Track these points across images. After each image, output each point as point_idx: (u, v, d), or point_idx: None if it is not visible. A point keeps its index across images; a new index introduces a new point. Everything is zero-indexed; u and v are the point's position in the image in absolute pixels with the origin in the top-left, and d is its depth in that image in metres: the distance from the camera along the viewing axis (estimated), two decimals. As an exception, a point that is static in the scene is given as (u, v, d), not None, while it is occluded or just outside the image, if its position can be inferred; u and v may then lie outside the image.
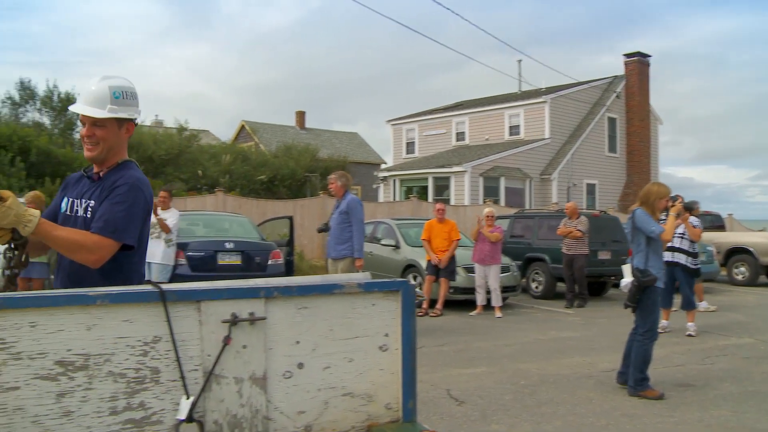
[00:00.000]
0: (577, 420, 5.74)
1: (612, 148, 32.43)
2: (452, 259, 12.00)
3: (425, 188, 28.39)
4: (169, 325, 2.29)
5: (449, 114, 34.01)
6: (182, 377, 2.30)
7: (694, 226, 9.96)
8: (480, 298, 12.19)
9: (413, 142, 34.96)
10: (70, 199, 3.03)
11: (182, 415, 2.27)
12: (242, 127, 40.92)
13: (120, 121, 2.98)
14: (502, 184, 27.57)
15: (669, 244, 9.07)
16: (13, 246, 2.68)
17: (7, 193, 2.55)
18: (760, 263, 17.60)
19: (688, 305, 9.92)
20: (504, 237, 12.77)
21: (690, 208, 10.43)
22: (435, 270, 11.95)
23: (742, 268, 17.93)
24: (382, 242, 14.12)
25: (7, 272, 2.71)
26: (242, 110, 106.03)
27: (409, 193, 28.19)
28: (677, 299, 10.15)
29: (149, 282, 8.04)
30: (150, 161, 24.75)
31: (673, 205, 6.82)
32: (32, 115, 26.58)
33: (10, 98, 26.35)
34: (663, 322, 9.72)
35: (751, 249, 17.77)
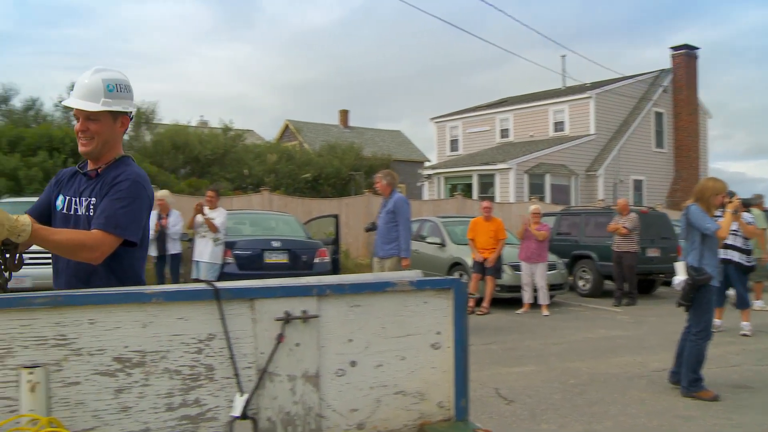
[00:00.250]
0: (628, 420, 5.65)
1: (659, 143, 31.86)
2: (498, 256, 11.93)
3: (470, 186, 28.28)
4: (223, 323, 2.31)
5: (493, 111, 33.79)
6: (236, 374, 2.31)
7: (748, 223, 9.73)
8: (527, 296, 12.10)
9: (457, 140, 34.82)
10: (67, 197, 2.97)
11: (236, 412, 2.28)
12: (286, 127, 41.25)
13: (114, 115, 2.90)
14: (548, 181, 27.31)
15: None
16: (3, 249, 2.61)
17: None
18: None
19: (743, 304, 9.68)
20: (550, 234, 12.65)
21: (750, 204, 10.12)
22: (481, 268, 11.88)
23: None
24: (428, 240, 14.09)
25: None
26: (285, 110, 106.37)
27: (454, 190, 28.08)
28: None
29: (197, 280, 8.11)
30: (196, 161, 25.09)
31: (729, 202, 6.66)
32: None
33: (62, 101, 26.95)
34: (716, 321, 9.52)
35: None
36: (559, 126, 30.54)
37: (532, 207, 12.64)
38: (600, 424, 5.55)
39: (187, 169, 25.07)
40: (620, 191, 27.95)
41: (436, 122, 36.21)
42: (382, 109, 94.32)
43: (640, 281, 14.15)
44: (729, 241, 9.54)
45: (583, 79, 32.77)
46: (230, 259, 10.61)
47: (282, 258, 11.13)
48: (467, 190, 27.69)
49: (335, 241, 12.84)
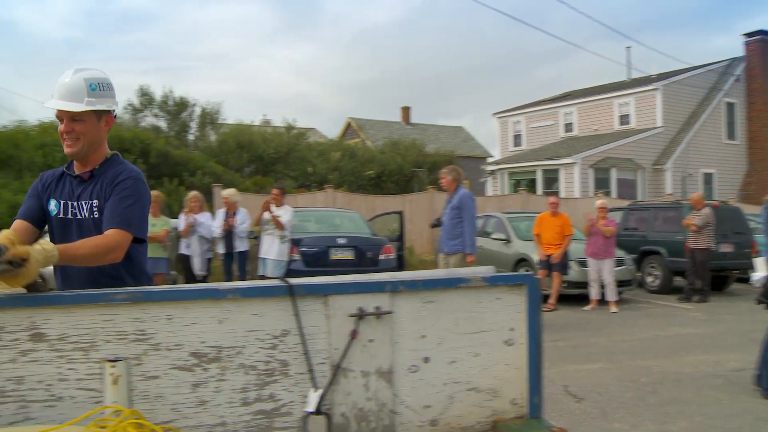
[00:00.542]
0: (705, 421, 5.49)
1: (731, 134, 30.87)
2: (565, 252, 11.77)
3: (533, 181, 27.95)
4: (297, 319, 2.34)
5: (556, 105, 33.29)
6: (310, 370, 2.34)
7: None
8: (594, 293, 11.91)
9: (520, 135, 34.44)
10: (62, 201, 2.91)
11: (311, 407, 2.31)
12: (348, 125, 41.47)
13: (99, 114, 2.85)
14: (613, 175, 26.79)
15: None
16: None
17: (24, 251, 2.25)
18: None
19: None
20: (617, 230, 12.41)
21: None
22: (547, 264, 11.74)
23: None
24: (493, 236, 14.00)
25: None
26: (347, 107, 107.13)
27: (518, 186, 27.82)
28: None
29: (264, 277, 8.22)
30: (260, 160, 25.43)
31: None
32: (150, 119, 28.01)
33: (131, 104, 27.86)
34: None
35: None
36: (624, 119, 29.88)
37: (599, 202, 12.43)
38: (674, 425, 5.41)
39: (252, 168, 25.42)
40: (689, 185, 27.22)
41: (499, 117, 35.88)
42: (443, 105, 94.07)
43: (713, 278, 13.74)
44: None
45: (649, 71, 32.05)
46: (296, 256, 10.71)
47: (348, 255, 11.19)
48: (531, 186, 27.37)
49: (400, 238, 12.85)
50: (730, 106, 30.76)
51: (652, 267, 14.44)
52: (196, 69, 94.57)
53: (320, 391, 2.33)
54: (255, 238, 10.95)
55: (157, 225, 9.89)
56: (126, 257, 2.79)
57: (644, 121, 28.99)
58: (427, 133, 40.68)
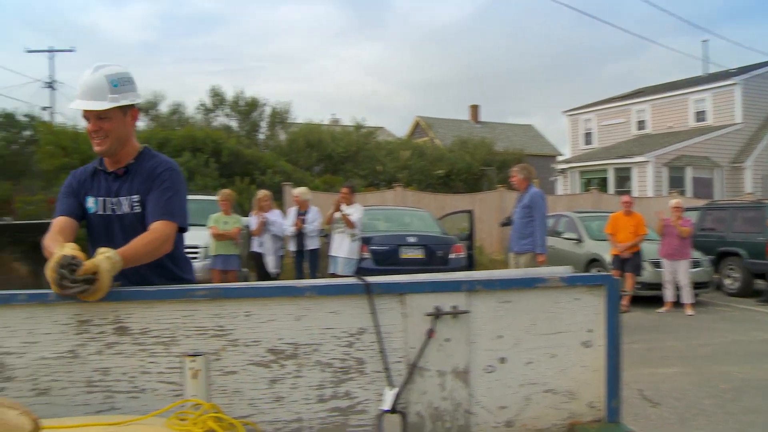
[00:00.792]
0: (791, 430, 5.30)
1: (816, 131, 29.57)
2: (638, 253, 11.53)
3: (605, 180, 27.42)
4: (374, 317, 2.35)
5: (629, 102, 32.55)
6: (386, 368, 2.36)
7: None
8: (669, 295, 11.60)
9: (591, 133, 33.82)
10: (99, 198, 2.93)
11: (386, 405, 2.33)
12: (417, 123, 41.49)
13: (123, 109, 2.86)
14: (689, 173, 26.05)
15: None
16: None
17: (92, 265, 2.26)
18: None
19: None
20: (693, 230, 12.07)
21: None
22: (620, 264, 11.51)
23: None
24: (564, 236, 13.82)
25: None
26: (415, 106, 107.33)
27: (588, 185, 27.35)
28: None
29: (334, 275, 8.28)
30: (329, 159, 25.67)
31: None
32: (222, 119, 28.62)
33: (203, 105, 28.55)
34: None
35: None
36: (700, 116, 29.00)
37: (673, 201, 12.11)
38: (758, 433, 5.24)
39: (321, 167, 25.69)
40: (771, 184, 26.28)
41: (569, 115, 35.33)
42: (512, 103, 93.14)
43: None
44: None
45: (727, 65, 31.02)
46: (366, 255, 10.77)
47: (418, 253, 11.18)
48: (602, 185, 26.87)
49: (469, 237, 12.79)
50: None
51: (731, 269, 13.95)
52: (266, 69, 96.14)
53: (396, 390, 2.34)
54: (325, 236, 11.05)
55: (229, 222, 10.08)
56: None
57: (722, 118, 28.07)
58: (496, 131, 40.36)
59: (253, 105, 28.65)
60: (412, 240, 11.35)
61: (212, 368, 2.30)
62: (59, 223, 2.85)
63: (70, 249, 2.32)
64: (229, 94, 28.73)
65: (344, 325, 2.36)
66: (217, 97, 28.62)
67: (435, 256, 11.23)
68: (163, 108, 28.88)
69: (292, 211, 11.18)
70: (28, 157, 22.96)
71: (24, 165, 22.80)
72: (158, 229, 2.76)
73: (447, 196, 20.32)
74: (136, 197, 2.89)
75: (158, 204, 2.83)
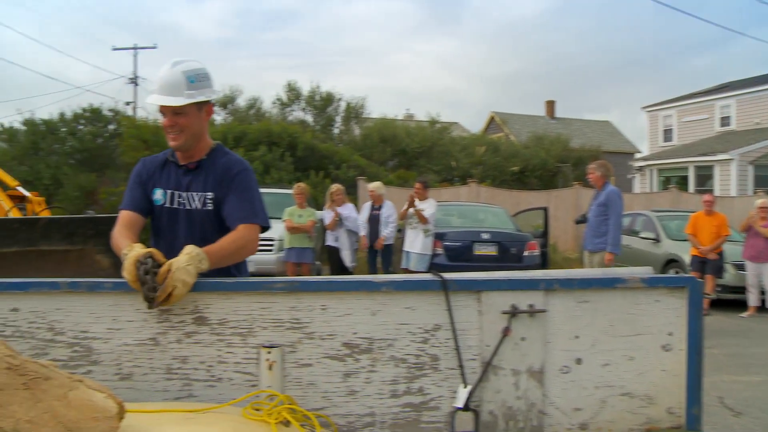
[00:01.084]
0: None
1: None
2: (720, 254, 11.18)
3: (685, 178, 26.64)
4: (449, 314, 2.35)
5: (712, 97, 31.44)
6: (461, 366, 2.35)
7: None
8: (753, 299, 11.22)
9: (671, 129, 32.84)
10: (168, 191, 2.94)
11: (459, 403, 2.32)
12: (491, 119, 41.12)
13: (199, 105, 2.86)
14: (776, 172, 25.07)
15: None
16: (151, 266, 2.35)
17: (165, 262, 2.33)
18: None
19: None
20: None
21: None
22: (700, 266, 11.19)
23: None
24: (641, 235, 13.52)
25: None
26: (490, 102, 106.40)
27: (667, 183, 26.63)
28: None
29: (407, 270, 8.29)
30: (403, 154, 25.73)
31: None
32: (297, 113, 29.01)
33: (279, 99, 29.02)
34: None
35: None
36: (790, 111, 27.84)
37: (759, 201, 11.69)
38: None
39: (395, 162, 25.77)
40: None
41: (648, 111, 34.40)
42: (589, 98, 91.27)
43: None
44: None
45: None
46: (440, 250, 10.78)
47: (491, 250, 11.13)
48: (682, 183, 26.11)
49: (544, 234, 12.65)
50: None
51: (819, 272, 13.37)
52: (341, 64, 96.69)
53: (469, 388, 2.34)
54: (399, 231, 11.10)
55: (303, 216, 10.23)
56: None
57: (813, 114, 26.85)
58: (572, 127, 39.66)
59: (329, 100, 28.92)
60: (485, 236, 11.29)
61: (287, 360, 2.33)
62: (126, 217, 2.89)
63: (142, 248, 2.40)
64: (305, 88, 29.11)
65: (419, 321, 2.37)
66: (293, 92, 29.01)
67: (509, 254, 11.16)
68: (241, 102, 29.47)
69: (367, 206, 11.24)
70: (112, 150, 23.90)
71: (108, 158, 23.72)
72: (244, 230, 2.79)
73: (521, 193, 20.15)
74: (210, 194, 2.90)
75: (240, 207, 2.85)
